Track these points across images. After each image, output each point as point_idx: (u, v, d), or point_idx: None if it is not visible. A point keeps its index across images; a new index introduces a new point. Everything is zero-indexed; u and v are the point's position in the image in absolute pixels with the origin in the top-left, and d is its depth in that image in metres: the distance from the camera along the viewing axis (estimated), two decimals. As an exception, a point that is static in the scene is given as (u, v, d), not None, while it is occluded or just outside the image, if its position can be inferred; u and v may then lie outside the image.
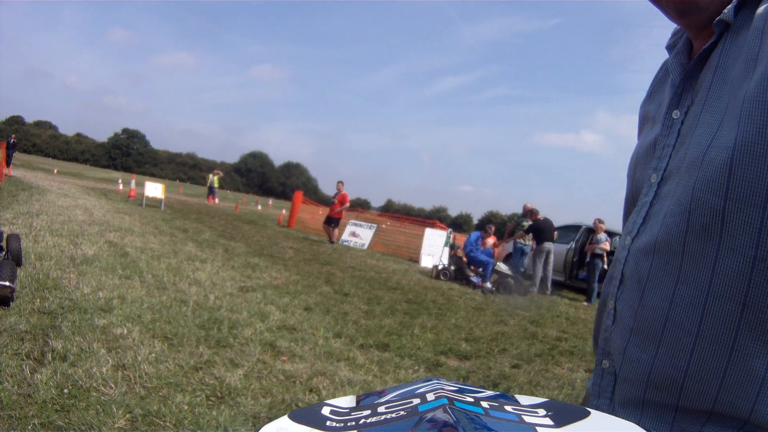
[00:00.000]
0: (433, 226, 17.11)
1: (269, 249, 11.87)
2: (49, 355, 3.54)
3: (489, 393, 0.72)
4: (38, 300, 4.75)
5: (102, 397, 3.12)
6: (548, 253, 12.58)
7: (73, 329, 4.19)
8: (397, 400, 0.71)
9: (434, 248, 14.30)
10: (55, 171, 39.60)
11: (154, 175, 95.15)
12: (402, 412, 0.64)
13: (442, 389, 0.70)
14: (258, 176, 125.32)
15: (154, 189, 20.22)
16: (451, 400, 0.65)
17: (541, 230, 12.44)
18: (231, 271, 8.19)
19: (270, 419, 2.61)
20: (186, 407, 3.22)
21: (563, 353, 6.14)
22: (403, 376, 4.14)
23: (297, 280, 7.97)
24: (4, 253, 5.61)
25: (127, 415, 2.95)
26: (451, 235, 15.48)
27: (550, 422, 0.59)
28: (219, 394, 3.54)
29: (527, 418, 0.60)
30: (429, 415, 0.60)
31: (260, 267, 8.99)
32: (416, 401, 0.67)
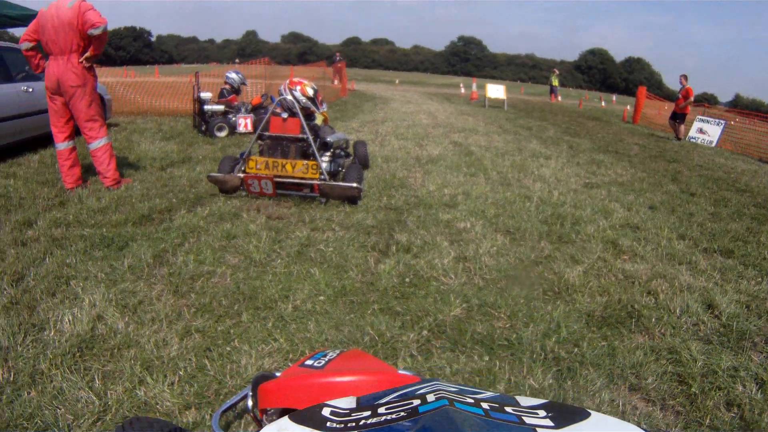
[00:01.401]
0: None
1: (614, 145, 12.22)
2: (394, 248, 4.29)
3: (489, 394, 0.85)
4: (385, 198, 5.78)
5: (441, 287, 3.60)
6: None
7: (418, 223, 4.97)
8: (397, 400, 0.81)
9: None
10: (397, 81, 46.71)
11: (494, 78, 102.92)
12: (402, 413, 0.73)
13: (442, 390, 0.82)
14: (599, 72, 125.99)
15: (496, 90, 22.58)
16: (451, 401, 0.75)
17: None
18: (575, 168, 8.58)
19: (604, 319, 2.43)
20: (522, 300, 3.48)
21: None
22: (744, 287, 4.05)
23: (642, 177, 8.28)
24: (351, 158, 6.97)
25: (464, 305, 3.35)
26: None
27: (550, 423, 0.67)
28: (556, 289, 3.72)
29: (527, 419, 0.68)
30: (429, 416, 0.68)
31: (605, 163, 9.27)
32: (416, 402, 0.77)
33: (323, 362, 1.51)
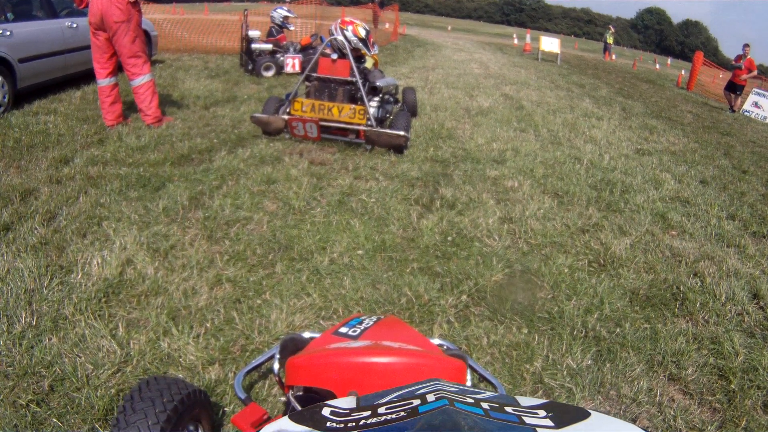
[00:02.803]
0: None
1: (667, 111, 11.60)
2: (438, 203, 4.17)
3: (489, 394, 0.86)
4: (432, 149, 5.61)
5: (484, 249, 3.49)
6: None
7: (464, 178, 4.82)
8: (397, 400, 0.81)
9: None
10: (449, 28, 45.46)
11: (548, 30, 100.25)
12: (402, 413, 0.72)
13: (442, 390, 0.82)
14: (655, 33, 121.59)
15: (550, 43, 21.63)
16: (451, 401, 0.74)
17: None
18: (627, 132, 8.22)
19: (649, 298, 2.26)
20: (566, 270, 3.33)
21: None
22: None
23: (695, 148, 7.84)
24: (400, 104, 6.79)
25: (506, 270, 3.23)
26: None
27: (550, 423, 0.68)
28: (601, 261, 3.55)
29: (527, 419, 0.70)
30: (429, 416, 0.68)
31: (658, 130, 8.84)
32: (416, 402, 0.76)
33: (358, 331, 1.44)
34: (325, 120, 5.29)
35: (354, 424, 0.73)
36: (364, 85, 5.46)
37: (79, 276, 2.78)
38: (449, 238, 3.57)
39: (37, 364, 2.15)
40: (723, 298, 3.26)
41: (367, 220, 3.69)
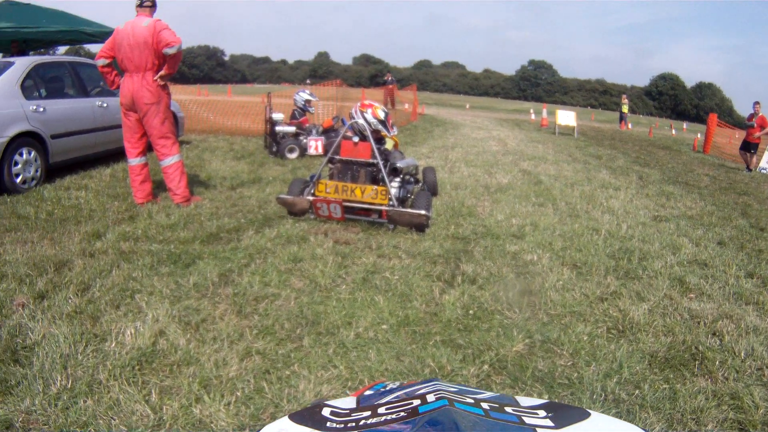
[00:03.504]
0: None
1: (684, 176, 11.91)
2: (459, 278, 4.33)
3: (489, 394, 0.85)
4: (452, 226, 5.83)
5: (504, 321, 3.63)
6: None
7: (485, 254, 4.99)
8: (397, 401, 0.80)
9: None
10: (467, 106, 46.80)
11: (564, 104, 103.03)
12: (402, 413, 0.72)
13: (442, 390, 0.81)
14: (669, 99, 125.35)
15: (566, 117, 22.32)
16: (451, 401, 0.74)
17: None
18: (645, 200, 8.41)
19: (667, 360, 2.40)
20: (585, 337, 3.44)
21: None
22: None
23: (712, 210, 8.01)
24: (420, 184, 7.07)
25: (526, 340, 3.35)
26: None
27: (551, 423, 0.66)
28: (620, 328, 3.65)
29: (527, 420, 0.67)
30: (429, 416, 0.67)
31: (674, 195, 9.04)
32: (416, 402, 0.76)
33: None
34: (349, 201, 5.54)
35: (354, 424, 0.76)
36: (385, 167, 5.74)
37: (113, 344, 2.97)
38: (470, 312, 3.71)
39: (72, 424, 2.31)
40: (742, 354, 3.33)
41: (390, 297, 3.86)
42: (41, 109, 6.80)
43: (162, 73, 5.67)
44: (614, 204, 7.67)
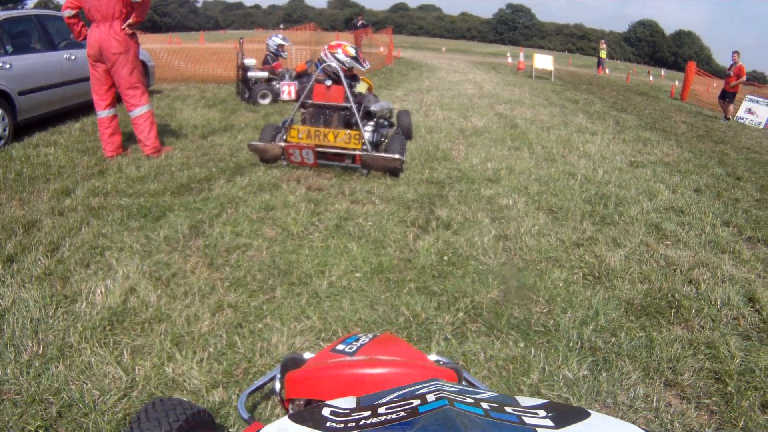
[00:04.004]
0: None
1: (661, 123, 11.85)
2: (434, 223, 4.25)
3: (489, 394, 0.86)
4: (427, 171, 5.72)
5: (479, 266, 3.56)
6: None
7: (459, 198, 4.92)
8: (397, 400, 0.82)
9: None
10: (443, 49, 46.05)
11: (541, 48, 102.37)
12: (402, 413, 0.74)
13: (442, 390, 0.83)
14: (648, 45, 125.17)
15: (544, 61, 22.08)
16: (451, 401, 0.74)
17: None
18: (621, 145, 8.39)
19: (644, 307, 2.32)
20: (561, 284, 3.40)
21: None
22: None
23: (688, 158, 8.00)
24: (395, 128, 6.90)
25: (501, 286, 3.30)
26: None
27: (550, 423, 0.68)
28: (596, 274, 3.62)
29: (527, 419, 0.68)
30: (429, 416, 0.68)
31: (651, 142, 9.02)
32: (416, 402, 0.78)
33: (355, 347, 1.49)
34: (321, 146, 5.40)
35: (354, 424, 0.75)
36: (358, 110, 5.58)
37: (84, 305, 2.86)
38: (445, 258, 3.64)
39: (45, 391, 2.22)
40: (718, 303, 3.33)
41: (364, 243, 3.77)
42: (8, 66, 6.49)
43: (130, 21, 5.42)
44: (591, 149, 7.61)
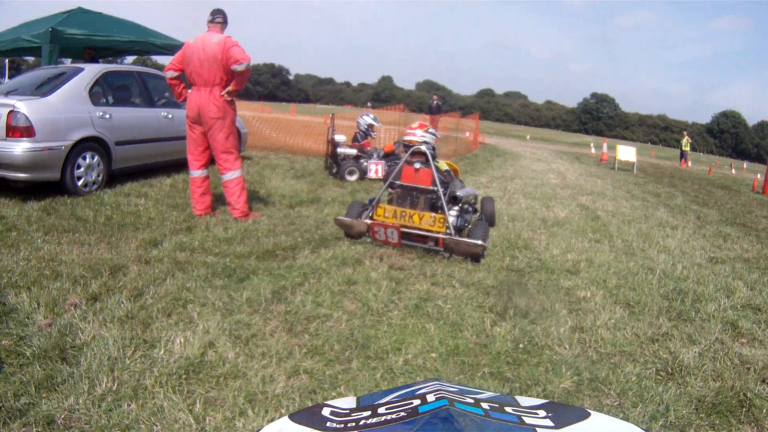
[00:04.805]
0: None
1: (742, 218, 11.54)
2: (511, 311, 4.36)
3: (489, 394, 0.82)
4: (508, 258, 5.86)
5: (554, 356, 3.65)
6: None
7: (538, 288, 5.01)
8: (397, 401, 0.81)
9: None
10: (528, 137, 46.45)
11: (624, 138, 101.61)
12: (402, 413, 0.73)
13: (442, 390, 0.81)
14: (731, 137, 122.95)
15: (626, 152, 21.99)
16: (451, 401, 0.72)
17: None
18: (701, 240, 8.23)
19: (714, 405, 2.44)
20: (634, 378, 3.41)
21: None
22: None
23: (768, 254, 7.67)
24: (478, 214, 7.15)
25: (575, 377, 3.36)
26: None
27: (551, 423, 0.65)
28: (669, 370, 3.61)
29: (527, 420, 0.67)
30: (429, 416, 0.67)
31: (731, 237, 8.79)
32: (416, 402, 0.77)
33: None
34: (406, 226, 5.63)
35: (354, 424, 0.77)
36: (444, 195, 5.84)
37: (162, 352, 3.08)
38: (521, 346, 3.73)
39: (114, 426, 2.38)
40: (792, 404, 3.27)
41: (442, 325, 3.92)
42: (107, 116, 7.11)
43: (229, 88, 5.83)
44: (671, 243, 7.54)
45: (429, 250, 5.74)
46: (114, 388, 2.68)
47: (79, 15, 10.65)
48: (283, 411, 2.65)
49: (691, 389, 3.37)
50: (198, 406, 2.62)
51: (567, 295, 4.91)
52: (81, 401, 2.54)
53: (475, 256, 5.56)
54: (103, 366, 2.85)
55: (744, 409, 3.20)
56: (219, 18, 5.95)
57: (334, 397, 2.77)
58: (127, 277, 4.14)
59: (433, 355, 3.47)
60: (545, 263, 5.82)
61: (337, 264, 5.05)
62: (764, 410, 3.18)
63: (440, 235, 5.59)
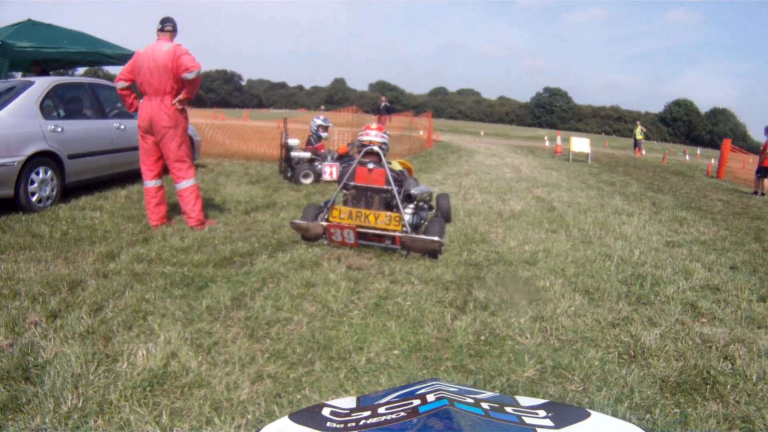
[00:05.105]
0: None
1: (697, 202, 11.95)
2: (471, 304, 4.35)
3: (489, 394, 0.84)
4: (465, 253, 5.86)
5: (516, 346, 3.63)
6: None
7: (497, 280, 5.01)
8: (397, 401, 0.81)
9: None
10: (482, 133, 47.12)
11: (578, 130, 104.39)
12: (402, 413, 0.73)
13: (442, 390, 0.81)
14: (684, 125, 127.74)
15: (580, 143, 22.49)
16: (451, 401, 0.73)
17: None
18: (658, 225, 8.43)
19: (678, 384, 2.41)
20: (596, 363, 3.43)
21: None
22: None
23: (725, 235, 8.00)
24: (434, 210, 7.14)
25: (537, 366, 3.35)
26: None
27: (551, 423, 0.65)
28: (631, 353, 3.65)
29: (527, 420, 0.67)
30: (429, 416, 0.67)
31: (687, 221, 9.07)
32: (416, 402, 0.76)
33: None
34: (362, 227, 5.60)
35: (354, 424, 0.76)
36: (399, 193, 5.82)
37: (125, 365, 3.01)
38: (482, 338, 3.72)
39: None
40: (754, 378, 3.32)
41: (402, 322, 3.88)
42: (59, 129, 6.96)
43: (180, 97, 5.75)
44: (627, 230, 7.68)
45: (386, 249, 5.72)
46: (79, 405, 2.62)
47: (29, 27, 10.43)
48: (249, 417, 2.62)
49: (654, 370, 3.40)
50: (164, 417, 2.57)
51: (526, 285, 4.93)
52: (47, 420, 2.48)
53: (432, 253, 5.55)
54: (67, 383, 2.78)
55: (708, 386, 3.24)
56: (168, 26, 5.87)
57: (299, 401, 2.77)
58: (86, 292, 4.04)
59: (396, 352, 3.43)
60: (503, 255, 5.84)
61: (295, 267, 4.99)
62: (728, 386, 3.23)
63: (396, 234, 5.58)
